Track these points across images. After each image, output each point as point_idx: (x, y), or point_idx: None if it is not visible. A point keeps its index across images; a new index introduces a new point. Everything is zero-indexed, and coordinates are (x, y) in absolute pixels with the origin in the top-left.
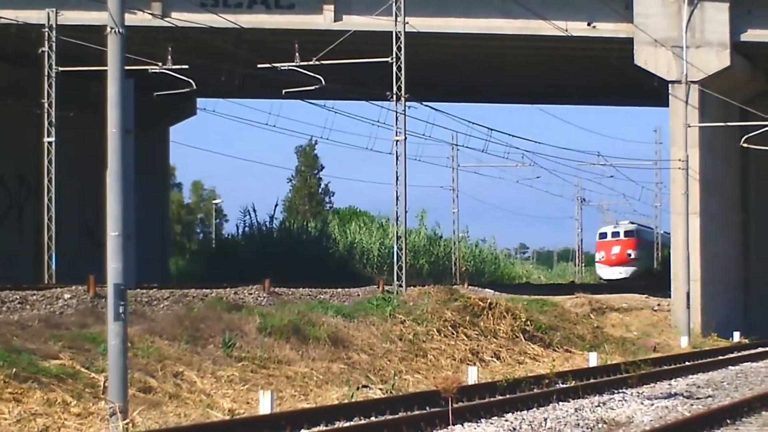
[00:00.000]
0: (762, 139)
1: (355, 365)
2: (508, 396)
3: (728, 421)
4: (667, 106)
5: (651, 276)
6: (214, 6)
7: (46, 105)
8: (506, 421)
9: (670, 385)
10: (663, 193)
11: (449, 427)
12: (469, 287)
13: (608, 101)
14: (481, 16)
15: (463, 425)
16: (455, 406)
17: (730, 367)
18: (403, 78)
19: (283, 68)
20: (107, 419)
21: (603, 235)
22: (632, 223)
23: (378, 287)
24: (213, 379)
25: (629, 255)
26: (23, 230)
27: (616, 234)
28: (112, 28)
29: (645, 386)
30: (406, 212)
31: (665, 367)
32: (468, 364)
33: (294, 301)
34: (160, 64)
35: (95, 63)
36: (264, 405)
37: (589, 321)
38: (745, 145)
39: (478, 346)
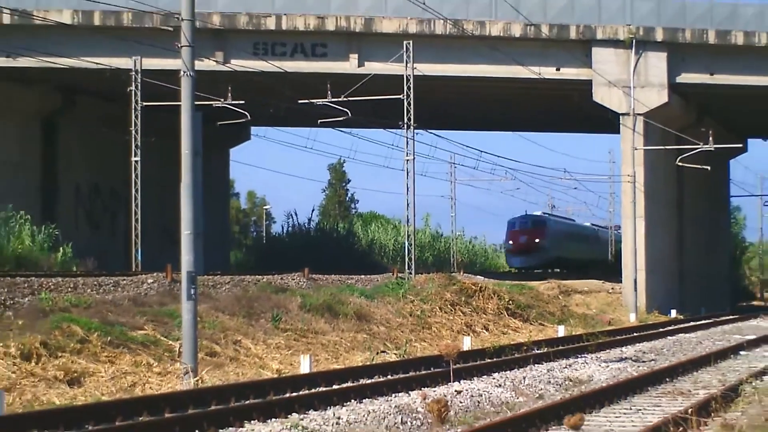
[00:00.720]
0: (692, 159)
1: (375, 335)
2: (495, 359)
3: (667, 379)
4: (619, 133)
5: (563, 264)
6: (264, 54)
7: (133, 132)
8: (493, 378)
9: (621, 351)
10: (616, 201)
11: (450, 383)
12: (464, 274)
13: (573, 129)
14: (473, 62)
15: (460, 382)
16: (454, 367)
17: (668, 337)
18: (412, 111)
19: (318, 103)
20: (182, 377)
21: (512, 225)
22: (544, 213)
23: (393, 274)
24: (264, 346)
25: (536, 244)
26: (115, 231)
27: (524, 224)
28: (185, 72)
29: (602, 352)
30: (414, 216)
31: (618, 337)
32: (463, 334)
33: (327, 285)
34: (222, 99)
35: (171, 99)
36: (304, 366)
37: (558, 301)
38: (679, 164)
39: (471, 320)
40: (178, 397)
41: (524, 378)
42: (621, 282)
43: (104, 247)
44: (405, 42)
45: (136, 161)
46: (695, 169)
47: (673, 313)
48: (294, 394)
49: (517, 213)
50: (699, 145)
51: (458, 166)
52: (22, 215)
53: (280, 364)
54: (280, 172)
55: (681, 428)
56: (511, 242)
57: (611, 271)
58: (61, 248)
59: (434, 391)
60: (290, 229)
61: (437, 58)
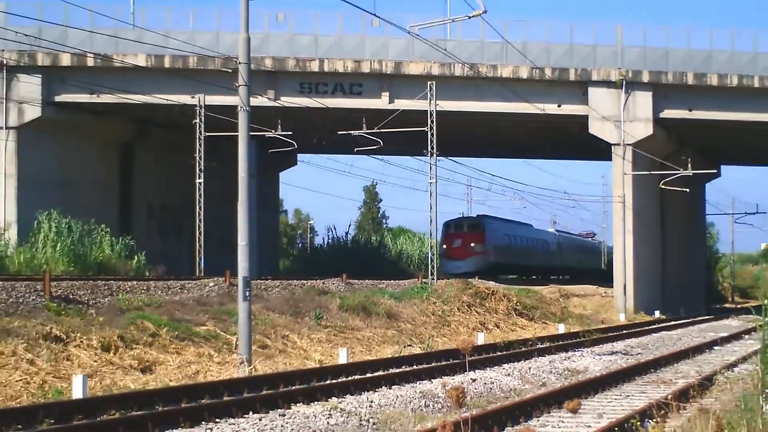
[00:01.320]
0: (673, 183)
1: (402, 331)
2: (504, 352)
3: (652, 370)
4: (611, 160)
5: (502, 269)
6: (309, 92)
7: (197, 158)
8: (503, 369)
9: (612, 345)
10: (608, 218)
11: (466, 373)
12: (479, 280)
13: (571, 156)
14: (487, 100)
15: (474, 371)
16: (470, 359)
17: (653, 334)
18: (434, 141)
19: (354, 134)
20: (238, 366)
21: (447, 227)
22: (483, 216)
23: (418, 280)
24: (308, 340)
25: (472, 248)
26: (181, 241)
27: (459, 227)
28: (241, 107)
29: (596, 346)
30: (436, 230)
31: (609, 334)
32: (478, 331)
33: (362, 289)
34: (273, 131)
35: (230, 130)
36: (342, 357)
37: (559, 303)
38: (662, 186)
39: (484, 319)
40: (234, 383)
41: (530, 368)
42: (612, 287)
43: (172, 255)
44: (429, 82)
45: (199, 182)
46: (676, 191)
47: (657, 314)
48: (333, 380)
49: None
50: (679, 170)
51: (474, 188)
52: (102, 228)
53: (321, 356)
54: (322, 193)
55: (663, 411)
56: (445, 246)
57: (604, 277)
58: (135, 256)
59: (453, 379)
60: (330, 241)
61: (456, 96)
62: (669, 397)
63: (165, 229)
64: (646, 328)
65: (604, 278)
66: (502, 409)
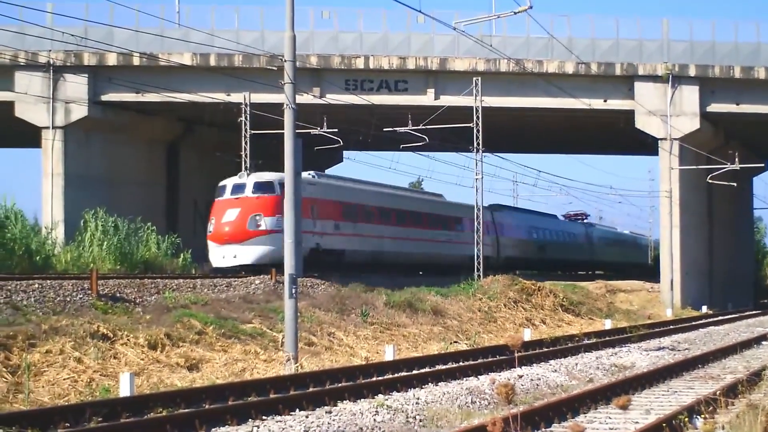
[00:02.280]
0: (720, 177)
1: (449, 328)
2: (551, 348)
3: (699, 365)
4: (658, 154)
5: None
6: (354, 89)
7: (243, 156)
8: (550, 365)
9: (659, 341)
10: (654, 213)
11: (512, 369)
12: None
13: (617, 151)
14: (532, 95)
15: (521, 367)
16: (518, 355)
17: (700, 330)
18: (480, 137)
19: (400, 131)
20: (284, 363)
21: (221, 191)
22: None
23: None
24: (354, 337)
25: (257, 224)
26: None
27: (239, 189)
28: (287, 105)
29: (643, 342)
30: (482, 226)
31: (656, 330)
32: (524, 327)
33: (407, 285)
34: (318, 128)
35: (276, 128)
36: (388, 354)
37: (605, 298)
38: (709, 181)
39: (530, 315)
40: (281, 381)
41: (576, 364)
42: (659, 282)
43: None
44: (474, 78)
45: None
46: (723, 186)
47: (704, 309)
48: (379, 377)
49: None
50: (726, 164)
51: (519, 183)
52: (149, 226)
53: (367, 353)
54: None
55: (711, 408)
56: (212, 225)
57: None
58: (182, 254)
59: (499, 376)
60: None
61: (502, 91)
62: (717, 392)
63: None
64: (693, 323)
65: (650, 274)
66: (549, 406)
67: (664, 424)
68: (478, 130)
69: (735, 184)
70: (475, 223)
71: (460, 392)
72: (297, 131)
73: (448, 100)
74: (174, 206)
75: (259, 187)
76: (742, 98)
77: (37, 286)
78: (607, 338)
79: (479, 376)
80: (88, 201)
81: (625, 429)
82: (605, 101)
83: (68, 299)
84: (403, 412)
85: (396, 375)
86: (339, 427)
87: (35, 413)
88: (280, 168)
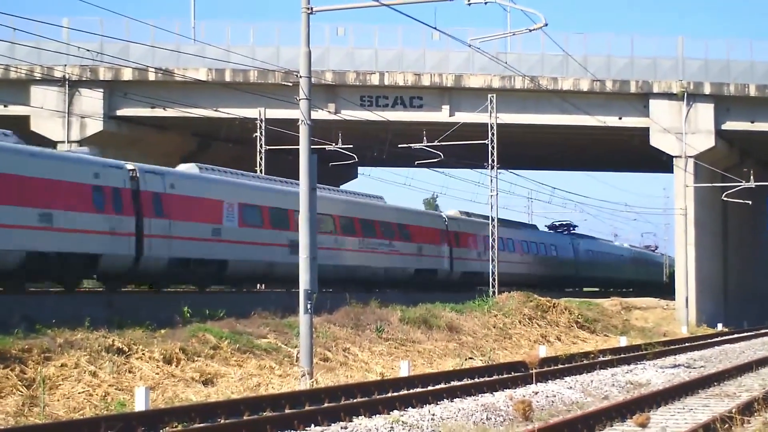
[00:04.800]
0: (735, 195)
1: (464, 344)
2: (566, 365)
3: (715, 383)
4: (672, 172)
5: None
6: (369, 106)
7: (258, 171)
8: (565, 381)
9: (675, 358)
10: (669, 230)
11: (527, 386)
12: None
13: (632, 168)
14: (547, 113)
15: (536, 384)
16: (532, 371)
17: (715, 347)
18: (495, 154)
19: (415, 147)
20: (299, 378)
21: None
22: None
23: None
24: (369, 353)
25: None
26: None
27: None
28: (302, 121)
29: (658, 359)
30: (497, 243)
31: (672, 347)
32: (539, 343)
33: (422, 301)
34: (333, 144)
35: (291, 143)
36: (403, 370)
37: (620, 316)
38: (724, 198)
39: (545, 332)
40: (296, 396)
41: (591, 381)
42: (674, 299)
43: None
44: (489, 95)
45: None
46: (738, 203)
47: (719, 327)
48: (395, 393)
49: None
50: (741, 182)
51: (534, 200)
52: None
53: (382, 368)
54: None
55: (727, 425)
56: None
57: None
58: None
59: (515, 392)
60: None
61: (517, 108)
62: (733, 410)
63: None
64: (709, 340)
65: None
66: (564, 423)
67: None
68: (492, 147)
69: (750, 202)
70: (490, 240)
71: (475, 409)
72: (312, 147)
73: (462, 117)
74: None
75: None
76: (757, 116)
77: (52, 300)
78: (623, 355)
79: (494, 393)
80: None
81: None
82: (620, 119)
83: (83, 313)
84: (418, 428)
85: (411, 391)
86: None
87: (50, 427)
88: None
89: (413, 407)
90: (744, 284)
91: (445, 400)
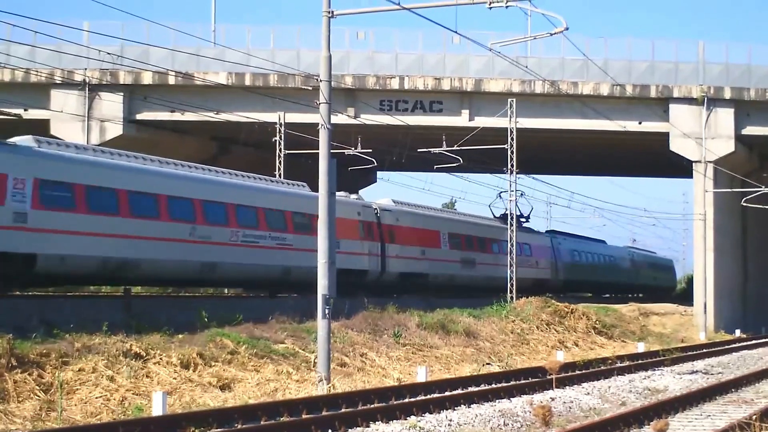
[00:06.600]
0: (755, 200)
1: (481, 350)
2: (584, 371)
3: (733, 389)
4: (692, 177)
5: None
6: (389, 110)
7: (277, 175)
8: (583, 387)
9: (693, 365)
10: (688, 236)
11: (547, 391)
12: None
13: (652, 173)
14: (567, 117)
15: (554, 390)
16: (551, 377)
17: (733, 353)
18: (514, 158)
19: (434, 151)
20: (316, 384)
21: None
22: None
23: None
24: (387, 358)
25: None
26: None
27: None
28: (322, 125)
29: (676, 365)
30: (515, 248)
31: (690, 353)
32: (557, 349)
33: (440, 307)
34: (353, 148)
35: (310, 147)
36: (421, 375)
37: (638, 321)
38: (744, 204)
39: (563, 337)
40: (313, 401)
41: (609, 387)
42: (692, 305)
43: None
44: (509, 100)
45: None
46: (757, 209)
47: (738, 333)
48: (412, 399)
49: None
50: (761, 187)
51: (553, 205)
52: None
53: (400, 374)
54: None
55: None
56: None
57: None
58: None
59: (532, 398)
60: None
61: (536, 113)
62: (751, 417)
63: None
64: (727, 347)
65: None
66: (582, 429)
67: None
68: (512, 152)
69: None
70: (509, 245)
71: (492, 414)
72: (332, 151)
73: (482, 122)
74: None
75: None
76: None
77: (70, 304)
78: (640, 361)
79: (512, 399)
80: None
81: None
82: (640, 123)
83: (101, 317)
84: None
85: (429, 396)
86: None
87: (68, 431)
88: (313, 186)
89: (430, 413)
90: (763, 290)
91: (462, 405)
